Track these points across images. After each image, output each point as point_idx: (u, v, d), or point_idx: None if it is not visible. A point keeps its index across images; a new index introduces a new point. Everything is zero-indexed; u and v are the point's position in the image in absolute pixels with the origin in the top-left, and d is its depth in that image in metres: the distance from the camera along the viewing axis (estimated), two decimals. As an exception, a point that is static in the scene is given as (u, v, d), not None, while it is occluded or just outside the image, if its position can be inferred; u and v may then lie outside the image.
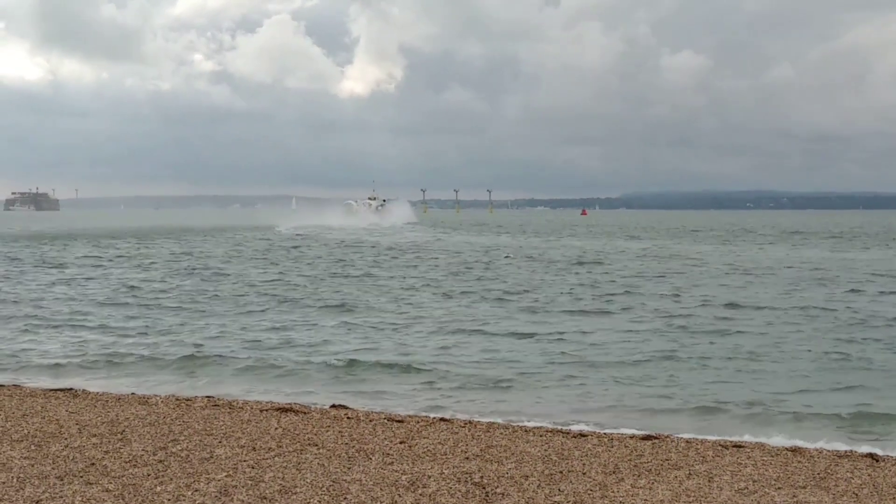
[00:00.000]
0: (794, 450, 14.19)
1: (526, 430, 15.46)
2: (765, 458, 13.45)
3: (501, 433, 15.08)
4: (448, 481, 11.75)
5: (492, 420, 16.68)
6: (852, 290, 41.82)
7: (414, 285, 44.47)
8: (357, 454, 13.18)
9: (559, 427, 16.14)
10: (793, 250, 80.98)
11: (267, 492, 11.08)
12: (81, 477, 11.51)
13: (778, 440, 15.36)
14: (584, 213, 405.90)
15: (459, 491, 11.31)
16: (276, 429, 14.75)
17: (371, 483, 11.57)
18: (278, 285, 44.20)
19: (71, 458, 12.48)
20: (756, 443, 14.87)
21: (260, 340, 26.53)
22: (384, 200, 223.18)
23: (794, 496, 11.34)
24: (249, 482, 11.47)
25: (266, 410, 16.42)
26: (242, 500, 10.75)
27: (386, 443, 13.98)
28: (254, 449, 13.30)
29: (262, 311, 33.74)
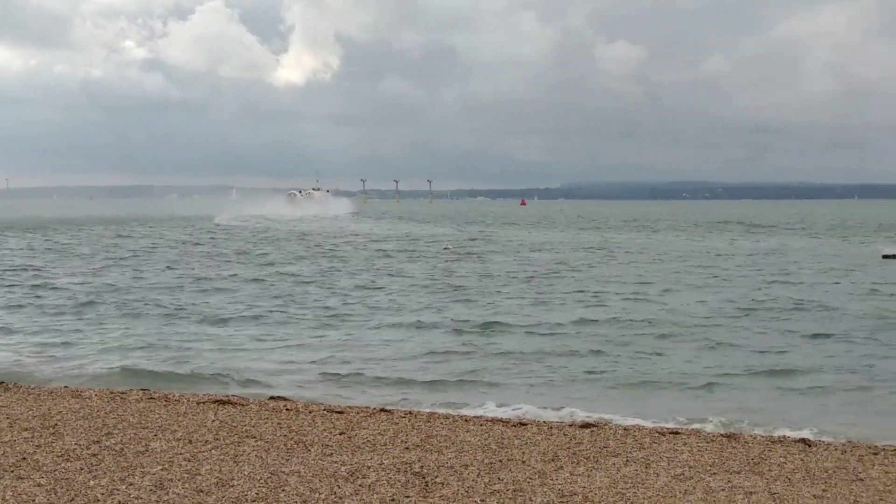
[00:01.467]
0: (730, 436, 14.33)
1: (466, 420, 15.46)
2: (701, 445, 13.56)
3: (442, 423, 15.07)
4: (388, 471, 11.73)
5: (432, 410, 16.67)
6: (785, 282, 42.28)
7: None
8: (296, 446, 13.11)
9: (499, 416, 16.16)
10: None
11: (203, 485, 10.99)
12: (12, 472, 11.34)
13: (713, 426, 15.52)
14: (523, 203, 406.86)
15: (399, 481, 11.29)
16: (214, 421, 14.64)
17: (310, 474, 11.52)
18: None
19: (1, 452, 12.30)
20: (692, 429, 15.01)
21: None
22: (327, 191, 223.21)
23: (728, 481, 11.45)
24: (185, 475, 11.37)
25: (203, 403, 16.27)
26: (178, 494, 10.65)
27: (325, 434, 13.92)
28: (190, 442, 13.19)
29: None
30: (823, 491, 11.09)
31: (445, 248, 69.64)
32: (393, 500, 10.56)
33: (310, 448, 12.99)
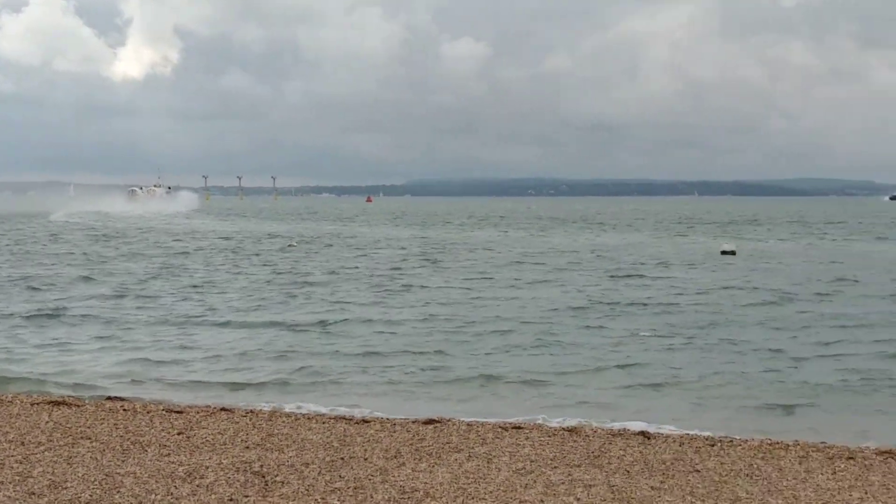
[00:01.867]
0: (571, 430, 14.46)
1: (308, 418, 15.33)
2: (542, 439, 13.67)
3: (284, 421, 14.92)
4: (227, 471, 11.55)
5: (275, 408, 16.48)
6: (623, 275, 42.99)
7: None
8: (132, 446, 12.82)
9: (342, 414, 16.05)
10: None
11: (35, 487, 10.66)
12: None
13: (556, 421, 15.64)
14: (369, 199, 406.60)
15: (238, 481, 11.12)
16: (47, 422, 14.24)
17: (146, 475, 11.27)
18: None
19: None
20: (535, 424, 15.09)
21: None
22: (169, 188, 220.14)
23: (569, 474, 11.55)
24: (17, 477, 11.02)
25: (37, 404, 15.81)
26: (9, 496, 10.31)
27: (163, 434, 13.65)
28: (22, 443, 12.80)
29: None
30: (661, 482, 11.26)
31: (290, 246, 69.19)
32: (231, 499, 10.39)
33: (147, 448, 12.71)
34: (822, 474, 11.78)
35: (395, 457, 12.44)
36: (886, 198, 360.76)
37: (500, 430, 14.34)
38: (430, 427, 14.49)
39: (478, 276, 42.55)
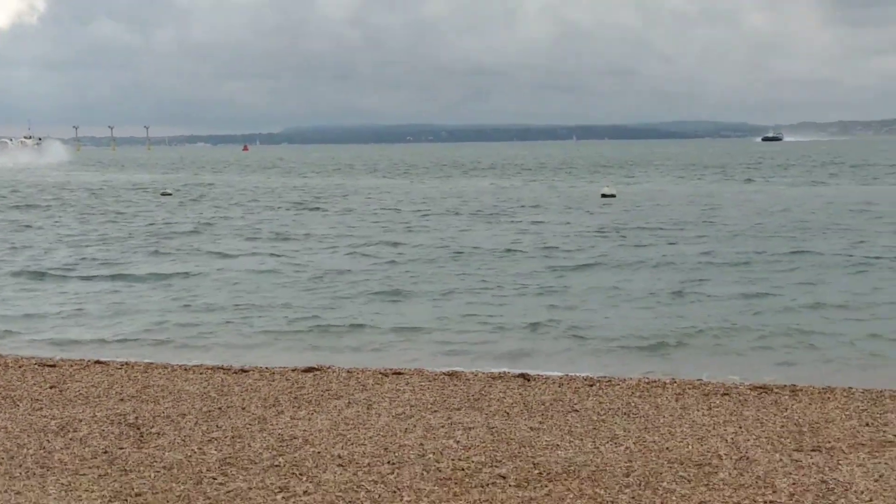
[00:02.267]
0: (451, 374, 14.45)
1: (185, 369, 15.09)
2: (423, 384, 13.65)
3: (160, 373, 14.68)
4: (101, 424, 11.31)
5: (151, 361, 16.19)
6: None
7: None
8: (3, 401, 12.52)
9: (220, 364, 15.83)
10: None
11: None
12: None
13: (437, 365, 15.61)
14: (245, 148, 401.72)
15: (112, 433, 10.90)
16: (-87, 380, 13.82)
17: (17, 430, 10.99)
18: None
19: None
20: (415, 369, 15.05)
21: None
22: (40, 139, 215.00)
23: (449, 418, 11.55)
24: None
25: None
26: None
27: (35, 388, 13.35)
28: None
29: None
30: (540, 423, 11.31)
31: (164, 194, 68.33)
32: (106, 452, 10.18)
33: (18, 403, 12.42)
34: (697, 410, 11.95)
35: (274, 405, 12.32)
36: (759, 139, 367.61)
37: (380, 376, 14.28)
38: (310, 375, 14.38)
39: (356, 224, 42.43)
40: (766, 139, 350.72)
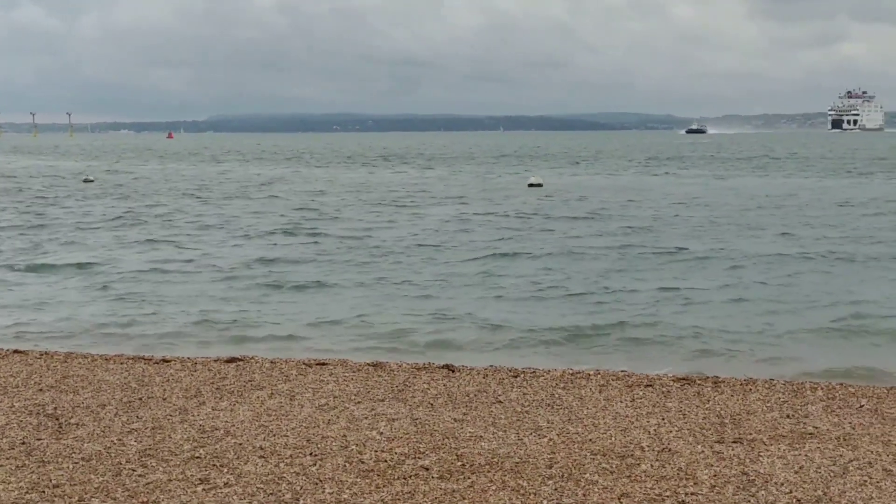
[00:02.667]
0: (376, 365, 14.37)
1: (106, 359, 14.87)
2: (347, 374, 13.57)
3: (80, 363, 14.45)
4: (18, 414, 11.13)
5: (70, 351, 15.94)
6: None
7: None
8: (-84, 392, 12.27)
9: (141, 354, 15.63)
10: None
11: None
12: None
13: (362, 356, 15.53)
14: (170, 136, 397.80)
15: (31, 424, 10.72)
16: None
17: (-69, 422, 10.77)
18: None
19: None
20: (339, 360, 14.95)
21: None
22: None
23: (372, 409, 11.49)
24: None
25: None
26: None
27: (-50, 378, 13.09)
28: None
29: None
30: (464, 414, 11.29)
31: (86, 181, 67.58)
32: (24, 442, 10.01)
33: (-68, 394, 12.17)
34: (621, 402, 11.99)
35: (196, 396, 12.19)
36: (683, 131, 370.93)
37: (304, 366, 14.18)
38: (233, 365, 14.24)
39: (275, 213, 42.22)
40: (689, 131, 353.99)
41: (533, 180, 59.51)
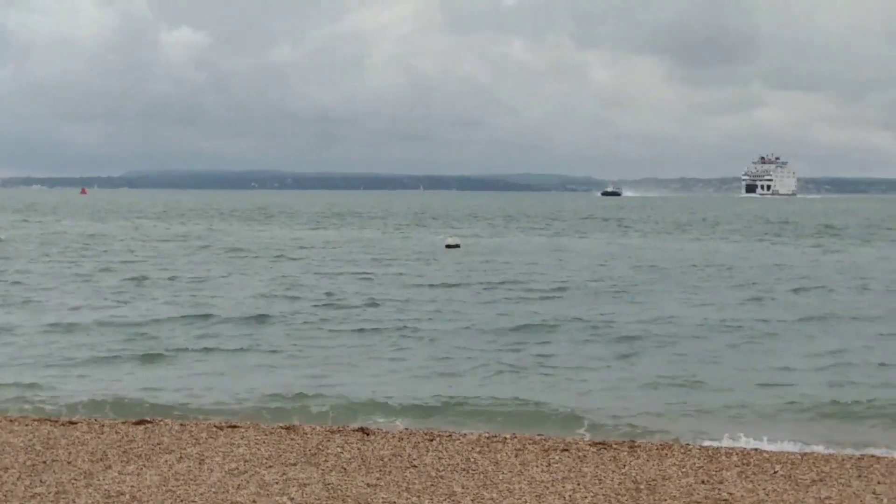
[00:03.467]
0: (289, 428, 14.15)
1: (10, 420, 14.52)
2: (259, 438, 13.32)
3: (-18, 424, 14.05)
4: (-86, 479, 10.75)
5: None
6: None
7: None
8: None
9: (47, 416, 15.25)
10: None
11: None
12: None
13: (273, 420, 15.28)
14: (83, 191, 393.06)
15: (-73, 489, 10.35)
16: None
17: None
18: None
19: None
20: (251, 423, 14.71)
21: None
22: None
23: (284, 473, 11.27)
24: None
25: None
26: None
27: None
28: None
29: None
30: (378, 479, 11.11)
31: None
32: (-82, 510, 9.65)
33: None
34: (537, 466, 11.88)
35: (102, 459, 11.88)
36: (599, 193, 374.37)
37: (214, 429, 13.91)
38: (141, 428, 13.93)
39: (186, 271, 41.75)
40: (605, 194, 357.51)
41: (450, 241, 59.57)
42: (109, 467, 11.47)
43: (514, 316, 27.63)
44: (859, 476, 11.70)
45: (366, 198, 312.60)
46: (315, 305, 29.77)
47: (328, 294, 32.62)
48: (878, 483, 11.38)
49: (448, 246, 57.67)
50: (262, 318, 26.67)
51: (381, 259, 49.37)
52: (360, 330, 24.86)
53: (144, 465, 11.60)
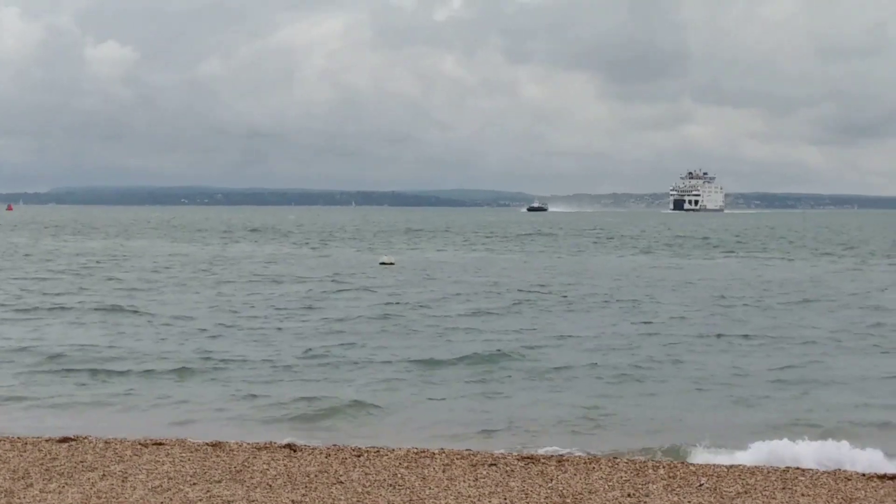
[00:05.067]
0: (215, 445, 13.99)
1: (-71, 439, 14.22)
2: (184, 455, 13.17)
3: None
4: None
5: None
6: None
7: None
8: None
9: (-32, 433, 14.98)
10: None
11: None
12: None
13: (199, 436, 15.11)
14: (9, 208, 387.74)
15: None
16: None
17: None
18: None
19: None
20: (177, 439, 14.53)
21: None
22: None
23: (208, 491, 11.15)
24: None
25: None
26: None
27: None
28: None
29: None
30: (303, 496, 11.03)
31: None
32: None
33: None
34: (464, 481, 11.86)
35: (24, 477, 11.69)
36: (524, 209, 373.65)
37: (139, 446, 13.73)
38: (65, 445, 13.72)
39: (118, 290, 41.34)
40: (531, 209, 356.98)
41: (385, 259, 59.47)
42: (31, 485, 11.29)
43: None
44: (784, 488, 11.80)
45: (297, 213, 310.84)
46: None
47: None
48: (802, 495, 11.49)
49: (382, 263, 57.55)
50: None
51: (305, 278, 49.14)
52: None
53: (67, 483, 11.42)
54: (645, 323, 29.90)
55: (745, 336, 26.92)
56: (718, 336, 26.87)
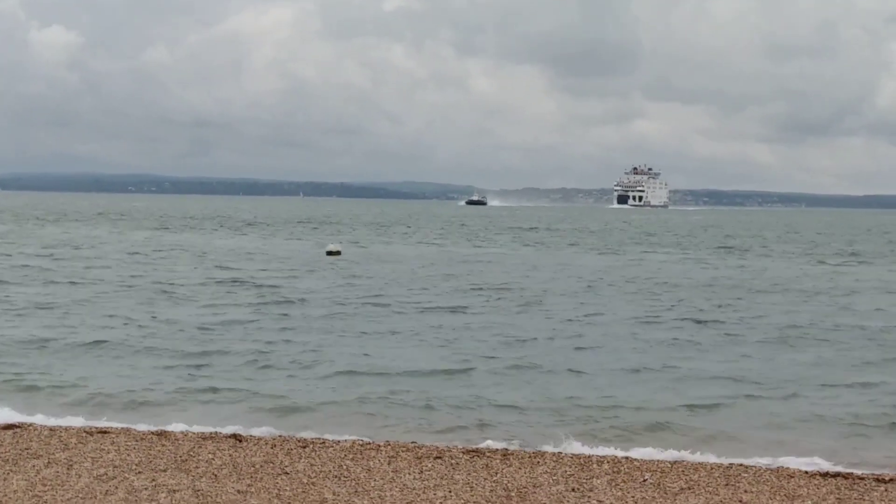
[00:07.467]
0: (160, 434, 13.99)
1: None
2: (129, 443, 13.16)
3: None
4: None
5: None
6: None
7: None
8: None
9: None
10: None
11: None
12: None
13: (144, 425, 15.06)
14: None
15: None
16: None
17: None
18: None
19: None
20: (122, 428, 14.51)
21: None
22: None
23: (153, 479, 11.16)
24: None
25: None
26: None
27: None
28: None
29: None
30: (249, 486, 11.06)
31: None
32: None
33: None
34: (409, 474, 11.93)
35: (-34, 465, 11.63)
36: (463, 202, 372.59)
37: (84, 434, 13.71)
38: (9, 432, 13.67)
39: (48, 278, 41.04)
40: (470, 202, 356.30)
41: (331, 248, 59.30)
42: (-26, 473, 11.24)
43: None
44: (727, 484, 11.96)
45: (245, 203, 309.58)
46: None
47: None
48: (745, 491, 11.65)
49: (329, 252, 57.42)
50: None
51: (257, 266, 49.01)
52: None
53: (11, 471, 11.40)
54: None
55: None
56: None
